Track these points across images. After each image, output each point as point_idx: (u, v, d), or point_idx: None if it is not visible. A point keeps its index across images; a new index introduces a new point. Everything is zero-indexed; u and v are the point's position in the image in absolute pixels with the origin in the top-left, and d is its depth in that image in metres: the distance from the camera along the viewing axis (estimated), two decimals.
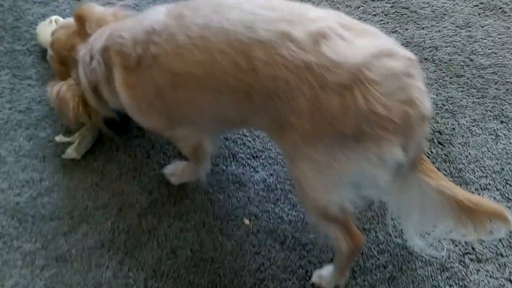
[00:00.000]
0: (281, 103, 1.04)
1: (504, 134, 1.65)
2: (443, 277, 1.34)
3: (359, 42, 1.01)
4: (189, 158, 1.44)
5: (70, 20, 1.48)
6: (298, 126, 1.04)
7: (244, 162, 1.56)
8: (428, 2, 2.02)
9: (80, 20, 1.39)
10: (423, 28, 1.96)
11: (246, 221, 1.42)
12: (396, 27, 1.96)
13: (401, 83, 0.99)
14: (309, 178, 1.11)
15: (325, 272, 1.34)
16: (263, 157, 1.57)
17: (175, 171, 1.50)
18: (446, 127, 1.67)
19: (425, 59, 1.86)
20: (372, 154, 1.01)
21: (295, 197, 1.48)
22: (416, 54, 1.81)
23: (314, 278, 1.35)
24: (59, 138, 1.48)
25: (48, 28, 1.70)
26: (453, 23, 1.97)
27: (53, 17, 1.75)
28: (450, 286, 1.33)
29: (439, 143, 1.63)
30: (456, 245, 1.39)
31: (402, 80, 0.99)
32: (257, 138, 1.61)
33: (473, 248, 1.39)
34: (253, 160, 1.56)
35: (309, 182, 1.12)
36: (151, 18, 1.20)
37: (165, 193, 1.48)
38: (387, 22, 1.97)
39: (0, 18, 1.86)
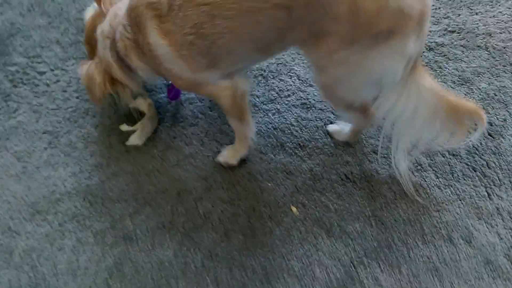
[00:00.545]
0: (320, 12, 1.16)
1: None
2: (486, 270, 1.38)
3: None
4: (232, 115, 1.50)
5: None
6: (337, 31, 1.18)
7: (291, 152, 1.64)
8: None
9: (98, 1, 1.49)
10: (476, 14, 1.90)
11: (294, 209, 1.51)
12: (448, 13, 1.91)
13: None
14: (341, 81, 1.30)
15: (341, 128, 1.63)
16: (310, 146, 1.64)
17: (227, 154, 1.60)
18: (497, 118, 1.66)
19: (478, 46, 1.82)
20: (398, 48, 1.19)
21: (340, 186, 1.55)
22: (468, 41, 1.82)
23: (330, 129, 1.65)
24: (124, 127, 1.61)
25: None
26: (509, 8, 1.90)
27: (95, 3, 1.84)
28: (494, 278, 1.37)
29: (489, 134, 1.62)
30: (501, 239, 1.42)
31: None
32: (304, 128, 1.68)
33: None
34: (300, 149, 1.64)
35: (340, 85, 1.32)
36: None
37: (219, 179, 1.59)
38: (439, 8, 1.93)
39: (65, 11, 2.00)
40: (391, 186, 1.53)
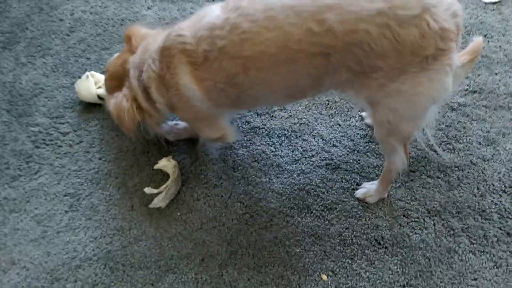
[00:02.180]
0: (363, 52, 1.17)
1: None
2: None
3: None
4: (210, 142, 1.64)
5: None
6: (384, 66, 1.19)
7: (318, 214, 1.60)
8: (500, 46, 1.98)
9: (128, 38, 1.56)
10: (496, 74, 1.92)
11: (324, 277, 1.45)
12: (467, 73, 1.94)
13: (447, 1, 1.17)
14: (399, 112, 1.29)
15: (369, 188, 1.60)
16: (337, 209, 1.60)
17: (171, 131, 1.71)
18: None
19: (500, 106, 1.82)
20: (447, 65, 1.21)
21: (372, 252, 1.49)
22: (490, 102, 1.83)
23: (358, 194, 1.61)
24: (148, 189, 1.59)
25: (86, 83, 1.87)
26: None
27: (88, 73, 1.90)
28: None
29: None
30: None
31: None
32: (330, 190, 1.65)
33: None
34: (327, 212, 1.60)
35: (399, 116, 1.30)
36: (208, 15, 1.30)
37: (244, 244, 1.55)
38: None
39: (89, 71, 2.04)
40: (424, 252, 1.48)
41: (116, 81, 1.60)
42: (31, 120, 1.92)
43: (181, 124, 1.79)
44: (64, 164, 1.78)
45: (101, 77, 1.90)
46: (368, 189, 1.59)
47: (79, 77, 1.93)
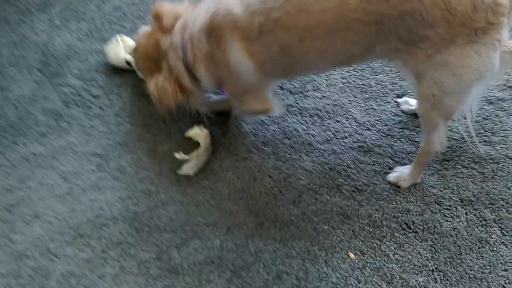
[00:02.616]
0: (414, 21, 1.17)
1: None
2: None
3: None
4: (242, 113, 1.66)
5: (146, 28, 1.61)
6: (433, 36, 1.18)
7: (348, 195, 1.57)
8: None
9: (158, 17, 1.52)
10: None
11: (352, 255, 1.43)
12: None
13: None
14: (444, 84, 1.27)
15: (402, 172, 1.57)
16: (368, 191, 1.58)
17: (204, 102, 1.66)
18: None
19: None
20: (495, 40, 1.19)
21: (401, 236, 1.47)
22: None
23: (391, 178, 1.58)
24: (179, 155, 1.58)
25: (116, 48, 1.87)
26: None
27: (119, 37, 1.89)
28: None
29: None
30: None
31: None
32: (361, 171, 1.62)
33: None
34: (357, 193, 1.58)
35: (444, 89, 1.28)
36: None
37: (271, 217, 1.53)
38: None
39: None
40: (455, 239, 1.45)
41: (150, 63, 1.58)
42: (62, 81, 1.91)
43: (214, 97, 1.78)
44: (94, 126, 1.77)
45: (131, 43, 1.88)
46: (401, 173, 1.57)
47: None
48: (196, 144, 1.67)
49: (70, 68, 1.95)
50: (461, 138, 1.68)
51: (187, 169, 1.60)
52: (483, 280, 1.37)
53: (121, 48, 1.88)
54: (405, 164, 1.61)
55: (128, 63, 1.87)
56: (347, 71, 1.92)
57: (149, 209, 1.55)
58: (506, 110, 1.77)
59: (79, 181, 1.62)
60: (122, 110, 1.81)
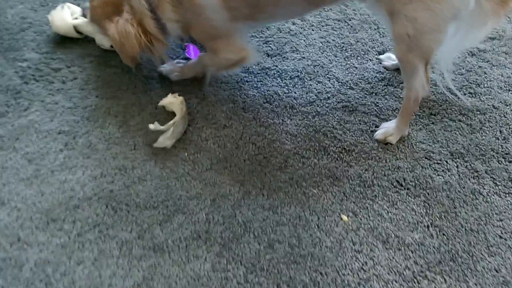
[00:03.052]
0: None
1: None
2: None
3: None
4: (217, 69, 1.56)
5: None
6: None
7: (336, 156, 1.51)
8: None
9: None
10: None
11: (344, 217, 1.37)
12: None
13: None
14: (418, 22, 1.23)
15: (388, 127, 1.52)
16: (356, 151, 1.52)
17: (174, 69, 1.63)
18: None
19: None
20: None
21: (393, 193, 1.42)
22: (510, 48, 1.77)
23: (378, 135, 1.52)
24: (154, 126, 1.46)
25: (60, 13, 1.72)
26: None
27: (63, 4, 1.75)
28: None
29: None
30: None
31: None
32: (348, 131, 1.56)
33: None
34: (345, 154, 1.51)
35: (419, 27, 1.24)
36: None
37: (258, 185, 1.44)
38: None
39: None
40: (448, 193, 1.42)
41: (110, 7, 1.45)
42: (18, 55, 1.73)
43: (184, 62, 1.66)
44: (57, 101, 1.62)
45: (76, 9, 1.75)
46: (387, 128, 1.51)
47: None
48: (171, 114, 1.55)
49: (25, 41, 1.77)
50: (447, 92, 1.63)
51: (164, 140, 1.48)
52: (480, 232, 1.34)
53: (67, 14, 1.72)
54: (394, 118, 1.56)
55: (77, 30, 1.72)
56: (325, 30, 1.84)
57: (125, 186, 1.43)
58: (489, 61, 1.73)
59: (46, 162, 1.48)
60: (86, 82, 1.66)
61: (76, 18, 1.74)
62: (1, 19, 1.83)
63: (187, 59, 1.69)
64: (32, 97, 1.62)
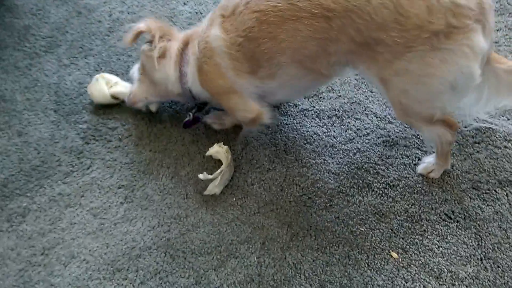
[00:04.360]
0: (363, 20, 1.12)
1: None
2: None
3: None
4: (249, 125, 1.63)
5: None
6: (386, 39, 1.11)
7: (381, 192, 1.53)
8: None
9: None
10: None
11: (394, 255, 1.38)
12: None
13: None
14: (409, 93, 1.21)
15: (428, 162, 1.51)
16: (400, 186, 1.53)
17: (216, 119, 1.73)
18: None
19: None
20: (464, 46, 1.09)
21: (443, 227, 1.41)
22: None
23: (420, 170, 1.52)
24: (203, 176, 1.56)
25: (97, 86, 1.88)
26: None
27: (97, 75, 1.90)
28: None
29: None
30: None
31: None
32: (390, 166, 1.58)
33: None
34: (390, 189, 1.53)
35: (411, 98, 1.22)
36: None
37: (304, 225, 1.49)
38: None
39: (131, 68, 2.04)
40: (500, 223, 1.39)
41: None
42: (78, 118, 1.93)
43: (225, 112, 1.77)
44: (115, 158, 1.77)
45: (111, 78, 1.91)
46: (427, 163, 1.51)
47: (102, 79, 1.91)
48: (218, 162, 1.65)
49: (84, 104, 1.96)
50: (490, 118, 1.62)
51: (213, 188, 1.58)
52: None
53: (102, 85, 1.88)
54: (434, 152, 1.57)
55: (114, 97, 1.88)
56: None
57: (181, 234, 1.53)
58: None
59: (109, 215, 1.62)
60: (140, 138, 1.81)
61: (111, 87, 1.89)
62: (61, 86, 2.03)
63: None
64: (93, 156, 1.79)
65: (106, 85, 1.89)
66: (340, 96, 1.80)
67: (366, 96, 1.77)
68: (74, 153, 1.82)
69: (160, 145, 1.77)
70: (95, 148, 1.82)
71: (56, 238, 1.60)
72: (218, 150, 1.64)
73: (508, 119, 1.61)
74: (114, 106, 1.91)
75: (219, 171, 1.58)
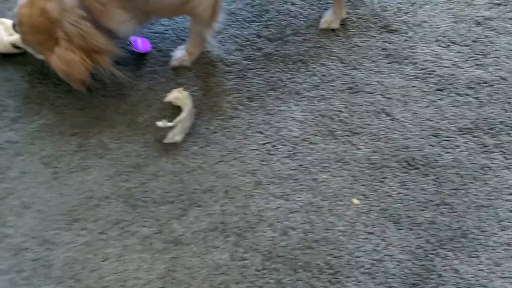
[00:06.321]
0: None
1: None
2: None
3: None
4: (204, 23, 1.61)
5: None
6: None
7: (343, 139, 1.52)
8: None
9: None
10: None
11: (355, 201, 1.41)
12: None
13: None
14: None
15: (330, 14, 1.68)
16: (363, 133, 1.53)
17: (182, 55, 1.68)
18: None
19: None
20: None
21: (403, 174, 1.44)
22: None
23: (322, 25, 1.72)
24: (162, 123, 1.49)
25: None
26: None
27: None
28: None
29: None
30: None
31: None
32: (354, 114, 1.57)
33: None
34: (352, 136, 1.53)
35: None
36: None
37: (268, 174, 1.48)
38: None
39: None
40: (458, 170, 1.43)
41: (41, 35, 1.46)
42: (22, 60, 1.76)
43: (184, 46, 1.70)
44: (66, 103, 1.64)
45: (9, 23, 1.69)
46: (329, 16, 1.71)
47: None
48: (177, 109, 1.58)
49: None
50: (453, 65, 1.62)
51: (173, 136, 1.52)
52: (490, 207, 1.36)
53: (1, 32, 1.69)
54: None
55: (14, 46, 1.70)
56: (325, 8, 1.80)
57: (141, 183, 1.48)
58: (495, 29, 1.70)
59: (62, 164, 1.53)
60: (94, 82, 1.69)
61: (12, 34, 1.69)
62: None
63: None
64: (41, 101, 1.65)
65: (6, 32, 1.69)
66: (305, 39, 1.73)
67: (331, 40, 1.72)
68: (20, 97, 1.68)
69: (115, 89, 1.66)
70: (43, 92, 1.68)
71: (7, 188, 1.51)
72: (177, 96, 1.56)
73: (471, 66, 1.61)
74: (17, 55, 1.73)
75: (179, 118, 1.50)
